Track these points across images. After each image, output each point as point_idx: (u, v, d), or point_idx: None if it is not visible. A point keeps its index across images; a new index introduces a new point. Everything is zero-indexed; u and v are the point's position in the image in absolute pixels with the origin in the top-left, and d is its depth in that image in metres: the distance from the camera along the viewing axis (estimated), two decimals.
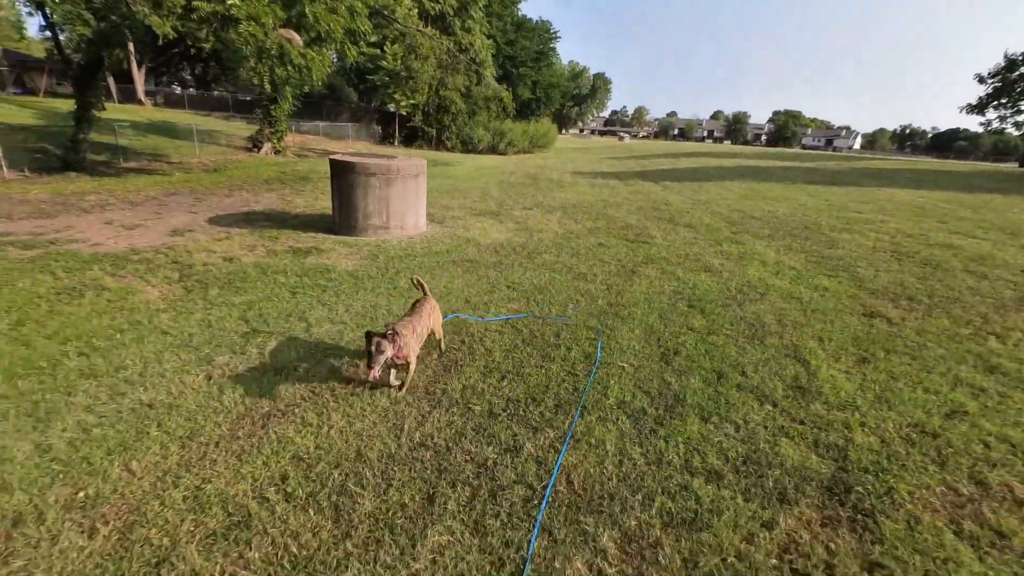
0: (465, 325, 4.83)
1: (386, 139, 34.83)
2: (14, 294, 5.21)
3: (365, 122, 36.84)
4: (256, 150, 21.80)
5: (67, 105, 20.99)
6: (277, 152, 22.09)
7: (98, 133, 15.46)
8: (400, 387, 3.61)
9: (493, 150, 34.84)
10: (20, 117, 21.11)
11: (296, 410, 3.32)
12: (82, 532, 2.29)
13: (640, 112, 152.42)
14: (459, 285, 6.05)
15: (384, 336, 3.19)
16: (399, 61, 29.05)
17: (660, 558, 2.28)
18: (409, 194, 8.66)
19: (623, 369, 4.06)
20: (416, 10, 25.96)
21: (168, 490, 2.56)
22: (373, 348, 3.14)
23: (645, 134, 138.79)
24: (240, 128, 27.53)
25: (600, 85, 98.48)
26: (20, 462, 2.72)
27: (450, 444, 3.03)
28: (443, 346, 4.22)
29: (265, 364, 3.92)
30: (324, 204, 11.09)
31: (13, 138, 14.12)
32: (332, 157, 8.71)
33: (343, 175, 8.28)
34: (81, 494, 2.51)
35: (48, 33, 18.49)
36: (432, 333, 3.92)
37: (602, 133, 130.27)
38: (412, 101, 30.82)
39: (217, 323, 4.68)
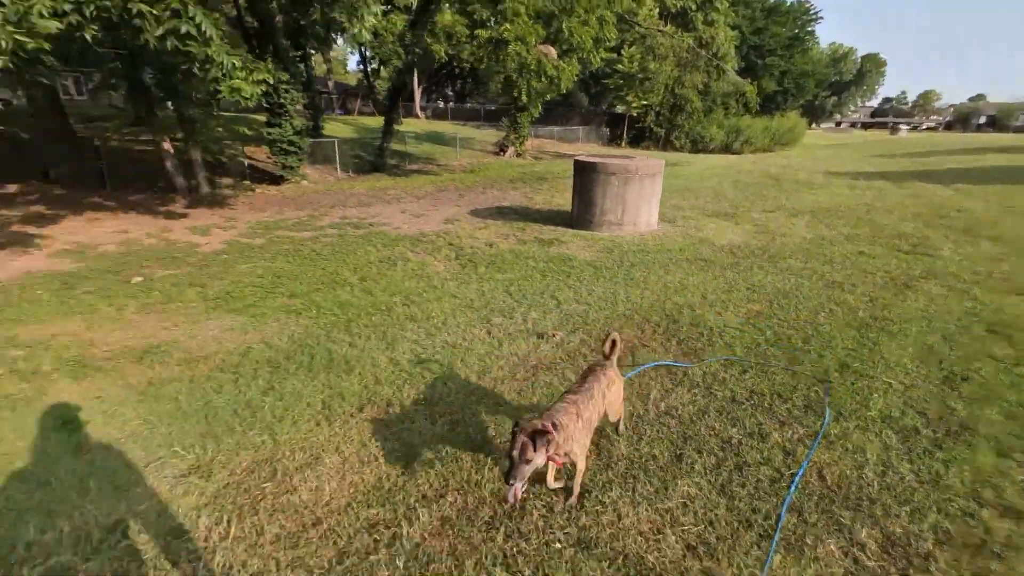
0: (704, 319, 4.95)
1: (613, 140, 35.62)
2: (356, 259, 7.26)
3: (594, 124, 38.29)
4: (502, 153, 24.82)
5: (372, 121, 27.25)
6: (519, 155, 24.76)
7: (393, 143, 19.75)
8: (566, 496, 2.58)
9: (726, 149, 32.45)
10: (344, 132, 28.09)
11: (557, 367, 4.00)
12: (427, 420, 3.29)
13: (927, 97, 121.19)
14: (694, 283, 6.14)
15: (533, 436, 2.15)
16: (635, 63, 29.33)
17: (932, 569, 2.17)
18: (645, 192, 8.98)
19: (889, 385, 3.70)
20: (656, 9, 25.91)
21: (473, 405, 3.44)
22: (516, 453, 2.12)
23: (931, 125, 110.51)
24: (489, 135, 31.51)
25: (870, 68, 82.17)
26: (383, 368, 3.97)
27: (694, 418, 3.29)
28: (622, 426, 3.14)
29: (528, 328, 4.75)
30: (559, 201, 12.19)
31: (343, 149, 19.03)
32: (576, 158, 9.58)
33: (585, 174, 9.05)
34: (422, 396, 3.56)
35: (361, 66, 24.42)
36: (606, 415, 2.85)
37: (866, 126, 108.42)
38: (644, 102, 30.83)
39: (489, 293, 5.79)
